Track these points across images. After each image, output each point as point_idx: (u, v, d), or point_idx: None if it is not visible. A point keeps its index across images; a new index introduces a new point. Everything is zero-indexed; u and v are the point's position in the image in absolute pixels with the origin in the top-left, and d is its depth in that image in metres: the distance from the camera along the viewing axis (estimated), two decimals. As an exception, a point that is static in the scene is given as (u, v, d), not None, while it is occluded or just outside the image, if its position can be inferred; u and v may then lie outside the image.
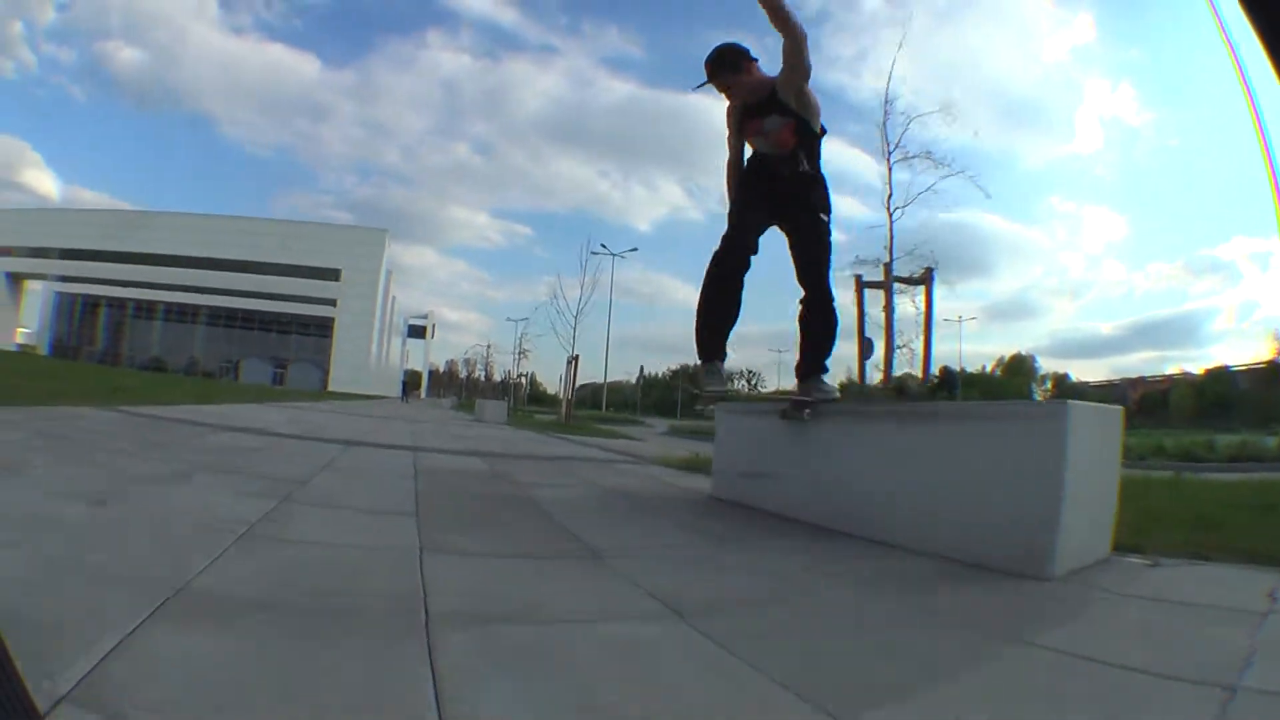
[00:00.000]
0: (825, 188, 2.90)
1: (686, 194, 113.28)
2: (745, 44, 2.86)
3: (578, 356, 20.35)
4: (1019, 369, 66.46)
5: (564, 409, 20.07)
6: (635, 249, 32.76)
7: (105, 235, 55.91)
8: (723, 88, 2.82)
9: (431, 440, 6.86)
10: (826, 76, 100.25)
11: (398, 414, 14.09)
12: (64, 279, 61.51)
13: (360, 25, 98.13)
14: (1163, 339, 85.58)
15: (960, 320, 46.41)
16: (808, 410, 3.01)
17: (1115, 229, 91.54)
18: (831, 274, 2.98)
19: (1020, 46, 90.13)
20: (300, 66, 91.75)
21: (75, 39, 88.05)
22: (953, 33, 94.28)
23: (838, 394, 3.19)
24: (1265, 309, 68.53)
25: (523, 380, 54.70)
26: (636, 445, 9.12)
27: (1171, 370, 59.34)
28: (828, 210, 2.90)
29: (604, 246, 26.46)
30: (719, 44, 2.78)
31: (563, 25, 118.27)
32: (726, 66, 2.74)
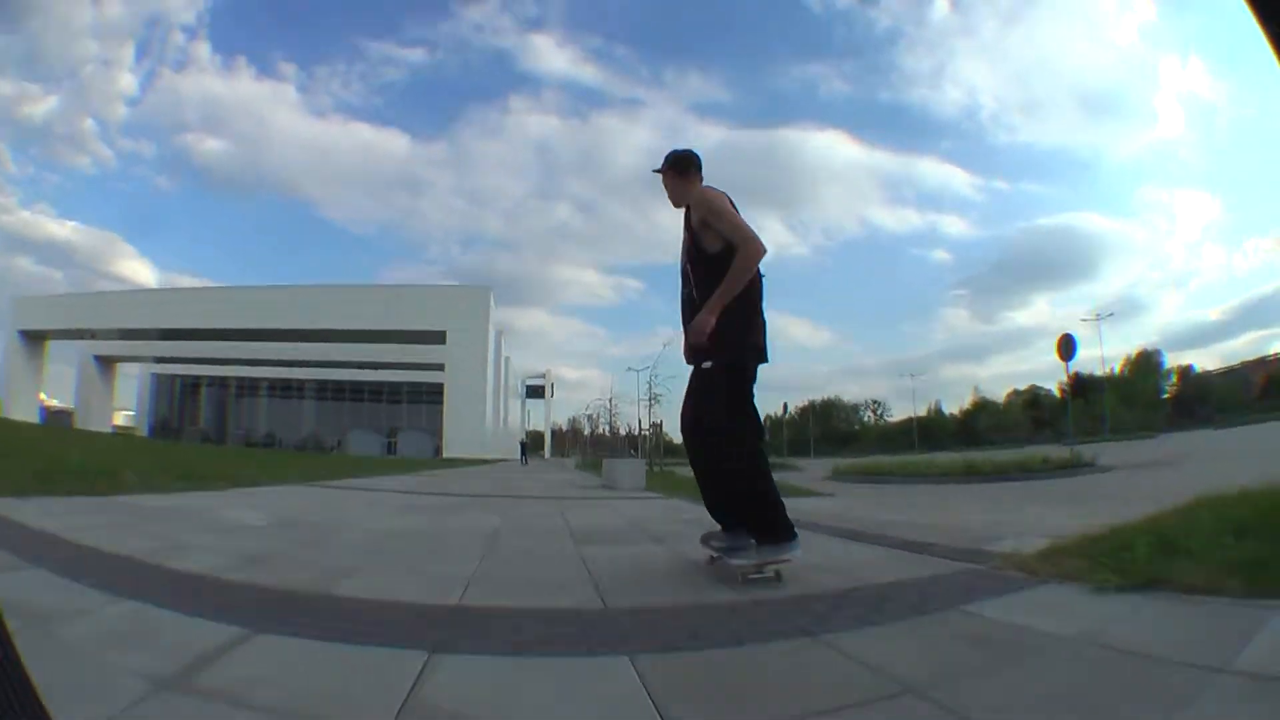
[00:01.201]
0: (725, 325, 2.44)
1: (789, 230, 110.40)
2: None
3: None
4: (1146, 366, 62.85)
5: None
6: (762, 275, 29.70)
7: (200, 314, 54.92)
8: (665, 182, 2.79)
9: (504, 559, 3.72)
10: (908, 94, 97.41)
11: (502, 482, 12.55)
12: (160, 360, 61.04)
13: (440, 97, 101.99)
14: (1268, 316, 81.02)
15: (1098, 318, 45.38)
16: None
17: (1209, 211, 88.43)
18: (727, 433, 2.50)
19: (1089, 35, 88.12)
20: (389, 143, 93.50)
21: (152, 133, 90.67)
22: (1024, 33, 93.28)
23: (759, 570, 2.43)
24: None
25: (650, 431, 51.97)
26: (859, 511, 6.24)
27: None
28: (717, 351, 2.48)
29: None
30: (681, 150, 2.78)
31: (644, 76, 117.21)
32: (669, 165, 2.74)
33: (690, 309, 2.60)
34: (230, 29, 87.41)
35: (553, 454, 63.63)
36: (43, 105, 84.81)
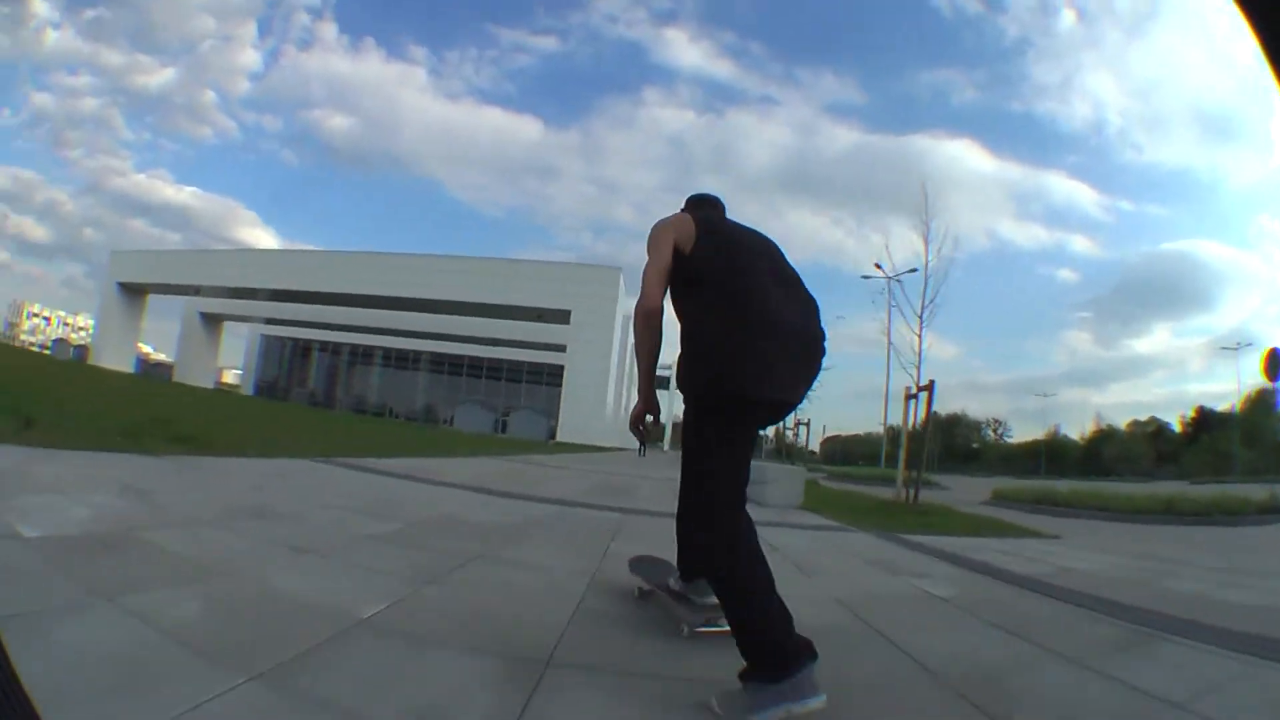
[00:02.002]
0: (688, 353, 1.89)
1: (921, 239, 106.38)
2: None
3: (932, 383, 11.37)
4: (1265, 405, 59.85)
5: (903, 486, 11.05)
6: (914, 270, 27.71)
7: (312, 276, 54.18)
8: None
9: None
10: (1037, 106, 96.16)
11: (608, 481, 9.94)
12: (270, 321, 60.94)
13: (573, 86, 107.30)
14: None
15: (1238, 347, 44.34)
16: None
17: None
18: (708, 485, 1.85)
19: (1208, 53, 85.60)
20: (521, 129, 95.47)
21: (277, 107, 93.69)
22: (1146, 46, 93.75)
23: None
24: None
25: (796, 431, 49.88)
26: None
27: None
28: (687, 387, 1.89)
29: (878, 267, 23.17)
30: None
31: (778, 74, 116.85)
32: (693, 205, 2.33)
33: None
34: (357, 11, 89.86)
35: (671, 446, 61.75)
36: (158, 76, 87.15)
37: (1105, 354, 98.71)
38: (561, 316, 50.48)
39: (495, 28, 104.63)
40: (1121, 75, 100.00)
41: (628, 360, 61.52)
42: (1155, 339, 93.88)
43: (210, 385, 62.33)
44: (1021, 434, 74.84)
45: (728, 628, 1.75)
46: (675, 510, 2.10)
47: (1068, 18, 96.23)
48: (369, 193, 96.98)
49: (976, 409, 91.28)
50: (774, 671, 1.60)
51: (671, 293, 2.01)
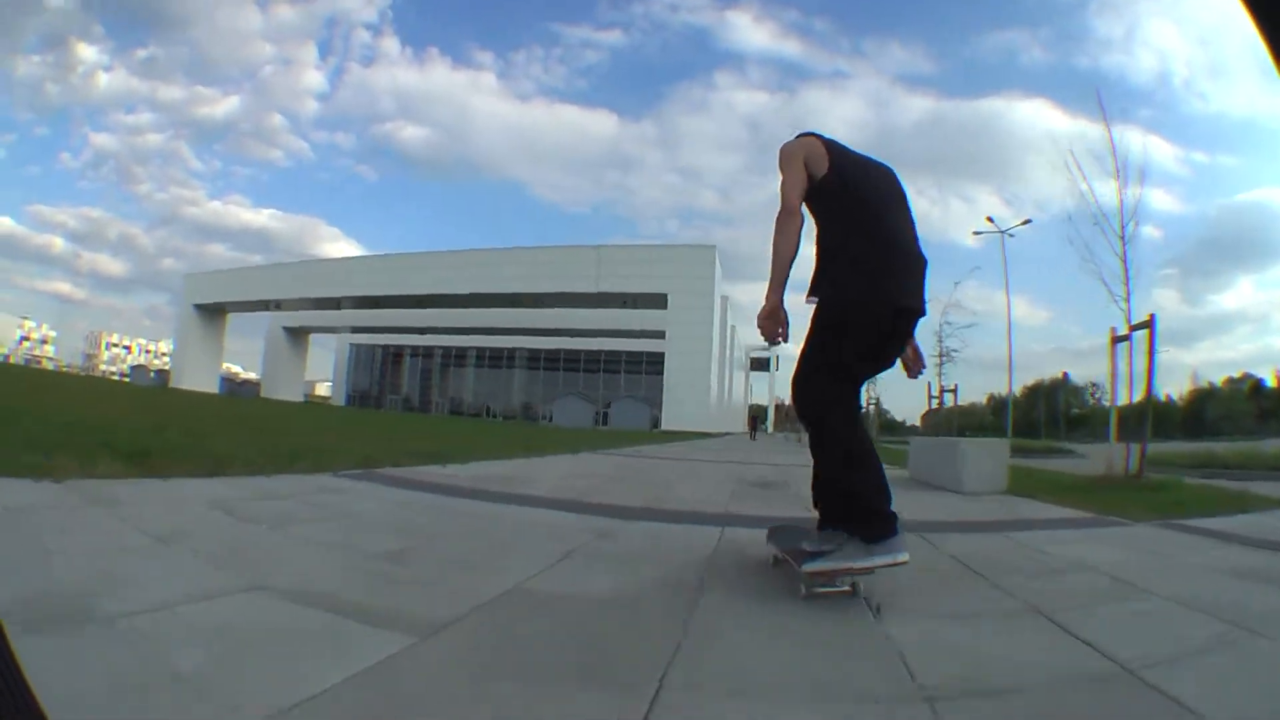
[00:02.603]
0: (834, 265, 2.18)
1: (1004, 203, 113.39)
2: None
3: (1152, 318, 8.74)
4: None
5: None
6: (1029, 220, 27.74)
7: (396, 281, 54.12)
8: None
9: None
10: (1104, 60, 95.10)
11: (731, 474, 7.84)
12: (356, 329, 61.35)
13: (643, 77, 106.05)
14: None
15: None
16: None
17: None
18: (818, 383, 2.16)
19: None
20: (597, 123, 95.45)
21: (349, 124, 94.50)
22: None
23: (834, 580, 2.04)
24: None
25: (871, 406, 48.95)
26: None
27: None
28: (832, 295, 2.16)
29: (990, 221, 23.95)
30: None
31: (845, 48, 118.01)
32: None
33: None
34: (417, 23, 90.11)
35: (773, 429, 60.91)
36: (222, 106, 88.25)
37: (1191, 311, 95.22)
38: (658, 301, 49.47)
39: (559, 26, 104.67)
40: (1181, 21, 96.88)
41: (729, 344, 60.32)
42: (1239, 293, 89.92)
43: (299, 398, 63.51)
44: (1121, 396, 72.38)
45: (846, 588, 2.03)
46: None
47: None
48: (451, 199, 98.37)
49: (1073, 374, 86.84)
50: (874, 530, 2.00)
51: (809, 209, 2.23)
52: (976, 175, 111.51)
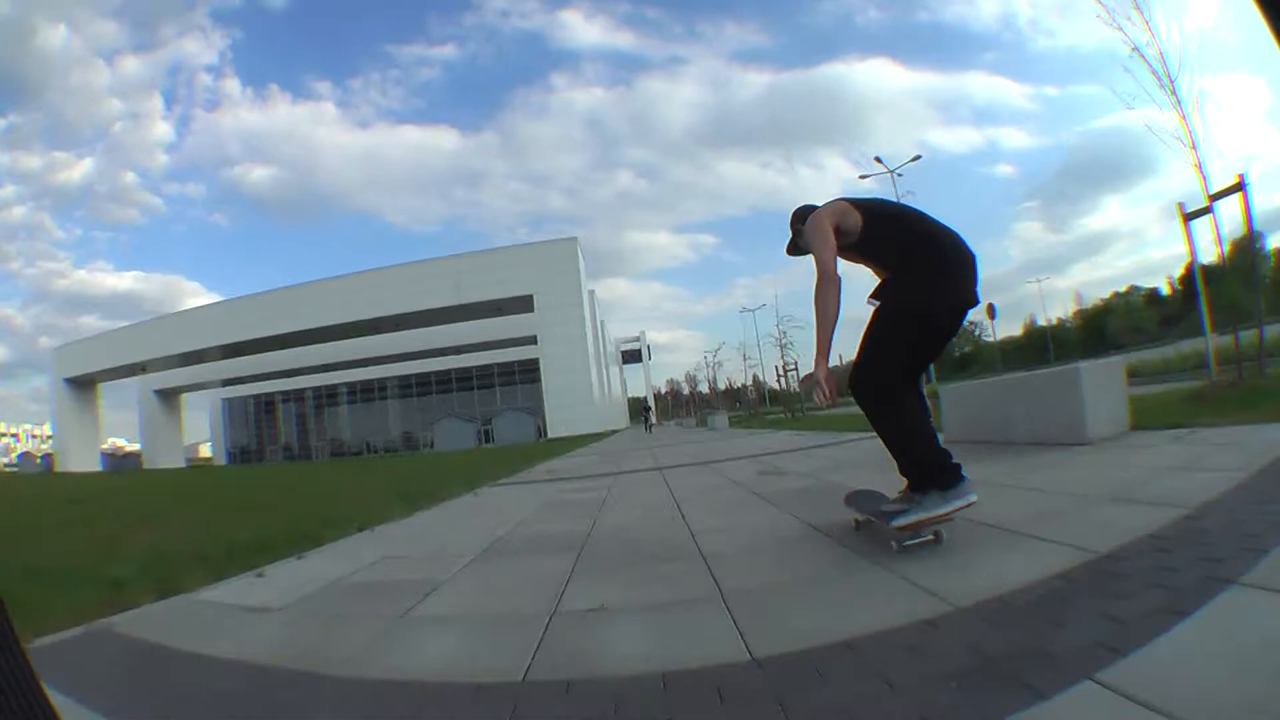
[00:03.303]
0: (907, 274, 2.51)
1: (852, 164, 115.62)
2: None
3: (1242, 177, 18.87)
4: (1246, 249, 58.61)
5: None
6: (919, 156, 26.35)
7: (258, 322, 50.39)
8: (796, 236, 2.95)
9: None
10: (944, 11, 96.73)
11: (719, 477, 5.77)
12: (226, 382, 57.02)
13: (481, 88, 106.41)
14: None
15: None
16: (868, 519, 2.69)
17: (1257, 93, 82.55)
18: (876, 366, 2.49)
19: None
20: (439, 140, 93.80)
21: (197, 173, 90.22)
22: None
23: (921, 530, 2.33)
24: None
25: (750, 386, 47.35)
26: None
27: None
28: (907, 297, 2.48)
29: (879, 160, 23.23)
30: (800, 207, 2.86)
31: (679, 33, 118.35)
32: (797, 221, 2.80)
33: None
34: (255, 60, 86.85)
35: (658, 419, 58.28)
36: (78, 170, 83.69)
37: (1059, 238, 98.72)
38: (525, 305, 46.56)
39: (392, 46, 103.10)
40: None
41: (601, 338, 57.60)
42: (1107, 214, 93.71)
43: (180, 463, 58.76)
44: (1000, 330, 75.07)
45: (930, 537, 2.35)
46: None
47: None
48: (306, 238, 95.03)
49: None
50: (945, 478, 2.35)
51: (863, 252, 2.64)
52: (823, 140, 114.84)
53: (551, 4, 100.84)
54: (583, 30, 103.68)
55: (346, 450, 53.16)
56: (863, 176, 27.16)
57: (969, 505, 2.27)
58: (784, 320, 21.35)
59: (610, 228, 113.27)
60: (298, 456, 54.44)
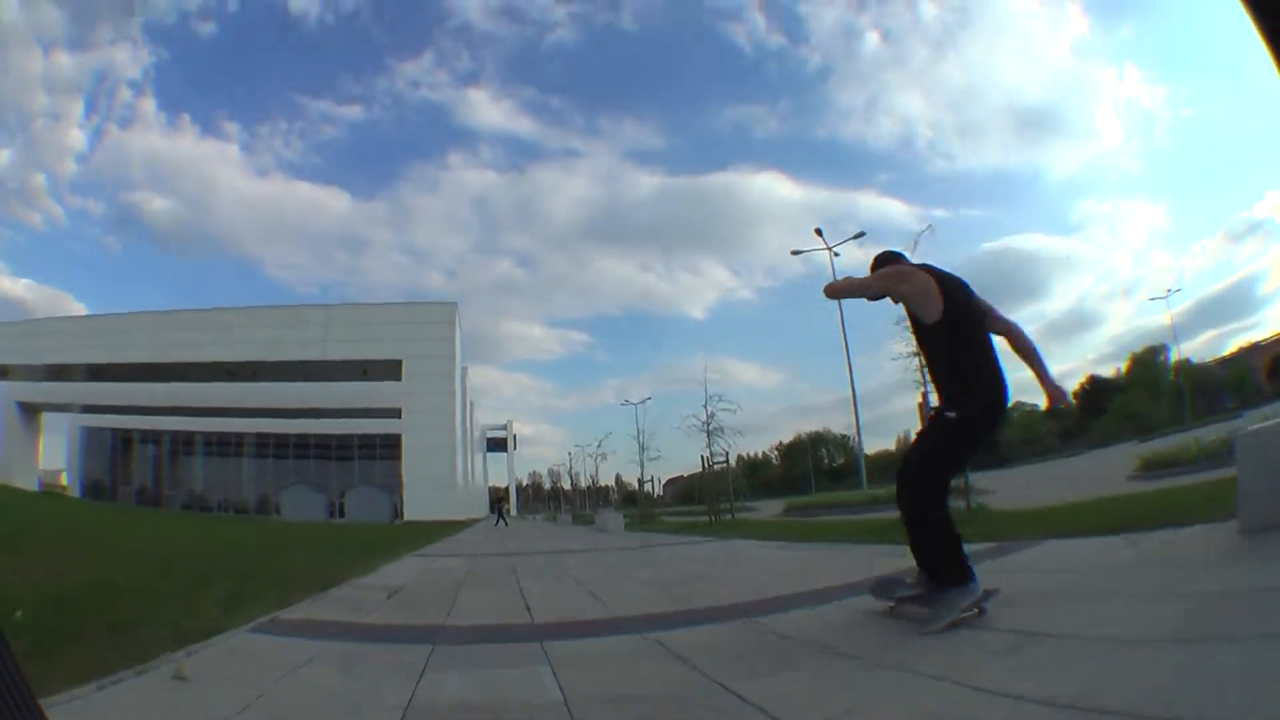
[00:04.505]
0: (955, 380, 2.91)
1: (732, 274, 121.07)
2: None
3: None
4: (1150, 362, 60.00)
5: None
6: (862, 233, 24.76)
7: (125, 345, 45.75)
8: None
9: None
10: (842, 130, 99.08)
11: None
12: (88, 409, 51.97)
13: (379, 154, 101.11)
14: (1220, 315, 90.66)
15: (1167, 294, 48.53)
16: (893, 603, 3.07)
17: (1154, 218, 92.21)
18: (928, 484, 2.91)
19: (1022, 55, 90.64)
20: (330, 201, 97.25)
21: (101, 191, 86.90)
22: (955, 58, 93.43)
23: (940, 621, 2.69)
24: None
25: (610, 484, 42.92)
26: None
27: (1239, 344, 60.01)
28: (950, 408, 2.87)
29: (818, 233, 22.75)
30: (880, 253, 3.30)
31: (579, 126, 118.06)
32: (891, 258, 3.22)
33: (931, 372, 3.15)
34: (175, 85, 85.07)
35: (517, 512, 53.42)
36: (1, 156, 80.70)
37: None
38: (393, 371, 41.51)
39: (304, 98, 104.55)
40: (930, 89, 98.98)
41: (470, 419, 52.67)
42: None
43: (33, 487, 53.50)
44: (871, 446, 76.27)
45: (975, 612, 2.72)
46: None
47: (871, 40, 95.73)
48: (190, 279, 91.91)
49: (807, 430, 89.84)
50: (964, 579, 2.69)
51: (929, 334, 2.95)
52: (704, 247, 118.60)
53: (461, 81, 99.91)
54: (486, 110, 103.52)
55: (196, 505, 47.88)
56: (795, 252, 26.85)
57: (986, 596, 2.70)
58: (714, 400, 18.00)
59: (486, 313, 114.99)
60: (149, 503, 49.23)
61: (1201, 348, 65.48)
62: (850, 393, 24.17)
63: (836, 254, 23.22)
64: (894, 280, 2.90)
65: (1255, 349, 55.34)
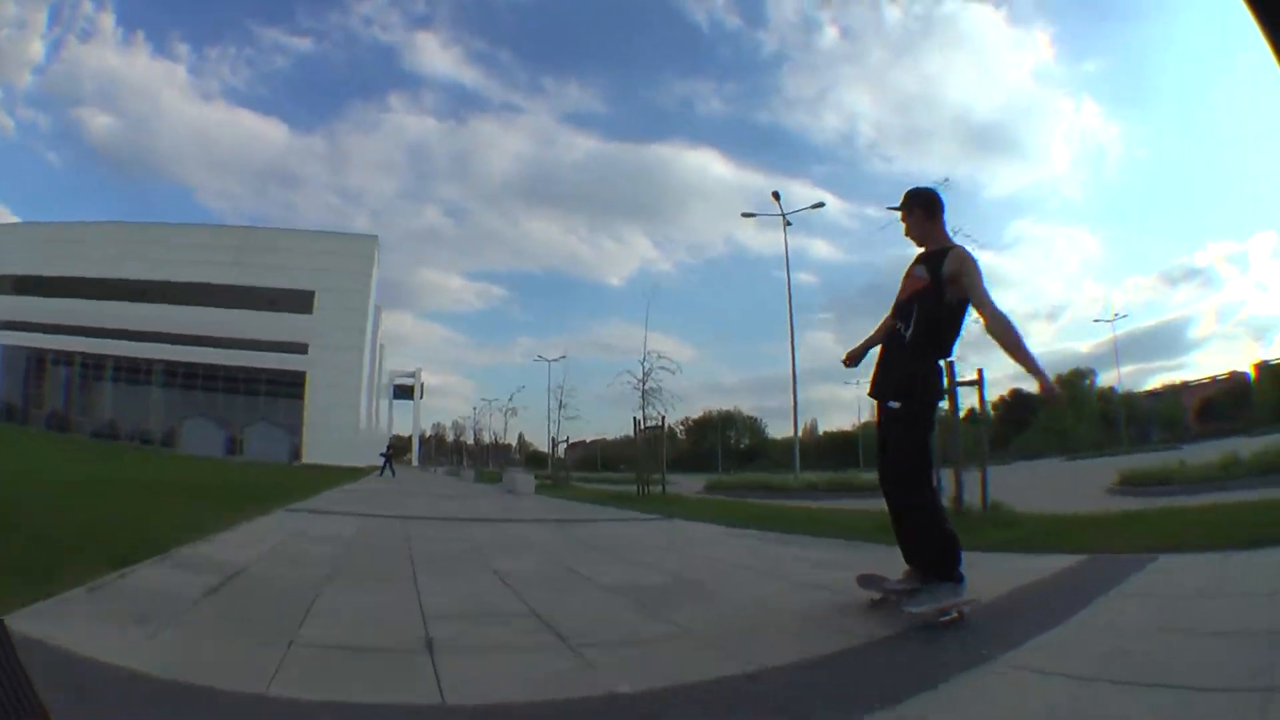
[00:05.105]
0: (920, 369, 2.83)
1: (655, 245, 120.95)
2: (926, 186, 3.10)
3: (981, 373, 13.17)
4: (1074, 384, 59.75)
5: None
6: (822, 204, 24.87)
7: (45, 258, 43.00)
8: (903, 217, 3.07)
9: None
10: (786, 118, 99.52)
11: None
12: (4, 325, 49.49)
13: (325, 91, 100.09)
14: (1146, 351, 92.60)
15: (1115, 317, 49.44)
16: (881, 595, 2.98)
17: (1091, 248, 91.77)
18: (915, 476, 2.84)
19: (980, 72, 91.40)
20: (269, 132, 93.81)
21: (51, 104, 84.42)
22: (911, 64, 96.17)
23: (941, 615, 2.61)
24: (1250, 308, 72.10)
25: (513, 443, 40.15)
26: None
27: (1159, 382, 63.45)
28: (905, 394, 2.81)
29: (776, 197, 21.66)
30: (923, 187, 3.08)
31: (523, 83, 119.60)
32: (919, 205, 2.98)
33: (896, 344, 2.91)
34: (135, 2, 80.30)
35: (419, 463, 50.88)
36: None
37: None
38: (304, 303, 38.62)
39: (257, 25, 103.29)
40: (882, 91, 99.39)
41: (379, 363, 49.80)
42: None
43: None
44: (772, 431, 78.42)
45: (955, 615, 2.61)
46: None
47: (830, 34, 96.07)
48: (124, 202, 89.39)
49: (720, 408, 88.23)
50: (954, 575, 2.66)
51: (936, 308, 2.81)
52: (631, 216, 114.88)
53: (414, 23, 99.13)
54: (434, 56, 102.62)
55: (105, 433, 45.41)
56: (746, 215, 26.34)
57: (971, 602, 2.63)
58: (651, 358, 16.08)
59: (407, 260, 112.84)
60: (58, 429, 46.81)
61: (1124, 379, 66.79)
62: (790, 376, 23.26)
63: (789, 222, 23.02)
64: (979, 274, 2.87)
65: (1184, 388, 58.88)
